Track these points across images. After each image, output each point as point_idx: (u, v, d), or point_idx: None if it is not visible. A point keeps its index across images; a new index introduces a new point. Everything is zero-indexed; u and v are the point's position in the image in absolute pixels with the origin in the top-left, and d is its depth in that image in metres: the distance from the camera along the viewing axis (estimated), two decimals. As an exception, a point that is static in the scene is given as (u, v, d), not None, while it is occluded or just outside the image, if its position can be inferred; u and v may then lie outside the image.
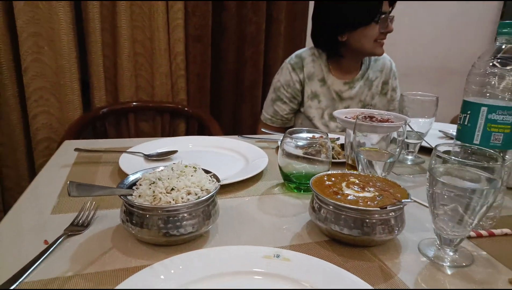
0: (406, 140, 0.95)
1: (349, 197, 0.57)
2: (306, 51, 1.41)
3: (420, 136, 0.92)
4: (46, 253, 0.50)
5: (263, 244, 0.55)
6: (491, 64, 0.58)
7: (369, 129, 0.71)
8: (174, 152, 0.90)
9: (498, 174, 0.50)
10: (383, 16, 1.25)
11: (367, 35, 1.27)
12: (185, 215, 0.53)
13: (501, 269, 0.54)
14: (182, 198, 0.53)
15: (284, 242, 0.58)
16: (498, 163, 0.50)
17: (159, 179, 0.55)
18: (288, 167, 0.75)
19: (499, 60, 0.58)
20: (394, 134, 0.73)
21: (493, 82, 0.58)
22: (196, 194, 0.54)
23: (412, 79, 2.37)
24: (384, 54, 1.41)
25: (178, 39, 1.66)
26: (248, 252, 0.51)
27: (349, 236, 0.55)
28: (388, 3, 1.28)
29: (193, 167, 0.59)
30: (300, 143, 0.74)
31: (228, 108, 1.92)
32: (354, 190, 0.60)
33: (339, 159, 0.91)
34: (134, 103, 1.63)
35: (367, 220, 0.54)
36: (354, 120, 0.72)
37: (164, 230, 0.52)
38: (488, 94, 0.59)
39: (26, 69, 1.44)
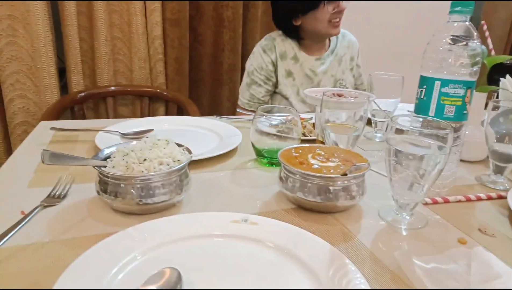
0: (374, 118, 0.99)
1: (313, 167, 0.61)
2: (276, 31, 1.45)
3: (387, 114, 0.97)
4: (23, 222, 0.53)
5: (233, 211, 0.59)
6: (443, 40, 0.62)
7: (335, 106, 0.75)
8: (150, 130, 0.92)
9: (447, 142, 0.54)
10: None
11: (319, 18, 1.32)
12: (158, 184, 0.55)
13: (452, 230, 0.58)
14: (154, 168, 0.56)
15: (254, 210, 0.61)
16: (447, 131, 0.54)
17: (132, 150, 0.57)
18: (260, 143, 0.78)
19: (451, 37, 0.62)
20: (361, 112, 0.77)
21: (446, 58, 0.62)
22: (168, 165, 0.57)
23: (387, 63, 2.42)
24: (347, 32, 1.47)
25: (155, 23, 1.65)
26: (217, 217, 0.54)
27: (313, 202, 0.59)
28: None
29: (165, 141, 0.62)
30: (272, 122, 0.77)
31: (207, 92, 1.93)
32: (319, 160, 0.63)
33: (310, 136, 0.95)
34: (112, 88, 1.63)
35: (330, 187, 0.58)
36: (321, 97, 0.75)
37: (137, 199, 0.54)
38: (441, 69, 0.63)
39: (1, 52, 1.42)
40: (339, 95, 0.85)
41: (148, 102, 1.71)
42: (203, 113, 1.71)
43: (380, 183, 0.72)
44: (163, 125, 0.99)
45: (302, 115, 1.07)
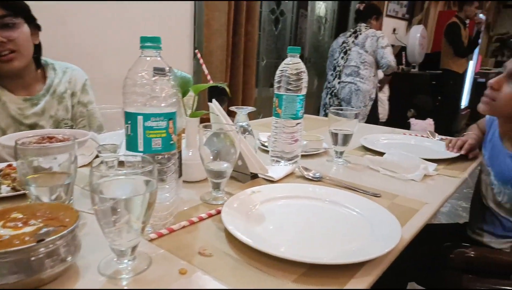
0: (101, 154, 0.93)
1: (3, 239, 0.49)
2: None
3: (115, 148, 0.92)
4: None
5: None
6: (140, 74, 0.62)
7: (36, 153, 0.64)
8: None
9: (153, 176, 0.54)
10: None
11: None
12: None
13: (175, 262, 0.58)
14: None
15: None
16: (150, 167, 0.53)
17: None
18: None
19: (146, 72, 0.63)
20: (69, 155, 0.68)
21: (145, 92, 0.62)
22: None
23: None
24: (71, 66, 1.34)
25: None
26: None
27: (5, 284, 0.47)
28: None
29: None
30: None
31: None
32: (13, 227, 0.51)
33: (23, 190, 0.79)
34: None
35: (25, 260, 0.47)
36: (13, 145, 0.62)
37: None
38: (143, 104, 0.62)
39: None
40: (50, 138, 0.74)
41: None
42: None
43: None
44: None
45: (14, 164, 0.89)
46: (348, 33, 3.10)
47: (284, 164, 1.05)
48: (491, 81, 1.07)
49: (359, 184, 0.95)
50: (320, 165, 1.13)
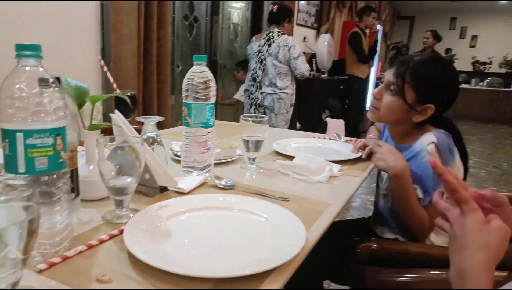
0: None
1: None
2: None
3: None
4: None
5: None
6: (18, 86, 0.55)
7: None
8: None
9: (33, 200, 0.48)
10: None
11: None
12: None
13: (68, 293, 0.53)
14: None
15: None
16: (29, 189, 0.47)
17: None
18: None
19: (25, 83, 0.56)
20: None
21: (26, 106, 0.56)
22: None
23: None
24: None
25: None
26: None
27: None
28: None
29: None
30: None
31: None
32: None
33: None
34: None
35: None
36: None
37: None
38: (24, 119, 0.56)
39: None
40: None
41: None
42: None
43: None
44: None
45: None
46: (262, 40, 3.15)
47: (197, 174, 1.03)
48: (374, 91, 1.18)
49: (270, 189, 0.96)
50: (234, 172, 1.13)
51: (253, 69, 3.21)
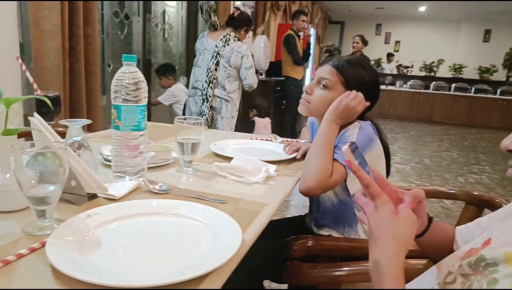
0: None
1: None
2: None
3: None
4: None
5: None
6: None
7: None
8: None
9: None
10: None
11: None
12: None
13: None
14: None
15: None
16: None
17: None
18: None
19: None
20: None
21: None
22: None
23: None
24: None
25: None
26: None
27: None
28: None
29: None
30: None
31: None
32: None
33: None
34: None
35: None
36: None
37: None
38: None
39: None
40: None
41: None
42: None
43: None
44: None
45: None
46: (220, 42, 2.99)
47: (130, 179, 0.98)
48: (305, 86, 1.24)
49: (207, 192, 0.95)
50: (170, 176, 1.10)
51: (207, 65, 3.05)
